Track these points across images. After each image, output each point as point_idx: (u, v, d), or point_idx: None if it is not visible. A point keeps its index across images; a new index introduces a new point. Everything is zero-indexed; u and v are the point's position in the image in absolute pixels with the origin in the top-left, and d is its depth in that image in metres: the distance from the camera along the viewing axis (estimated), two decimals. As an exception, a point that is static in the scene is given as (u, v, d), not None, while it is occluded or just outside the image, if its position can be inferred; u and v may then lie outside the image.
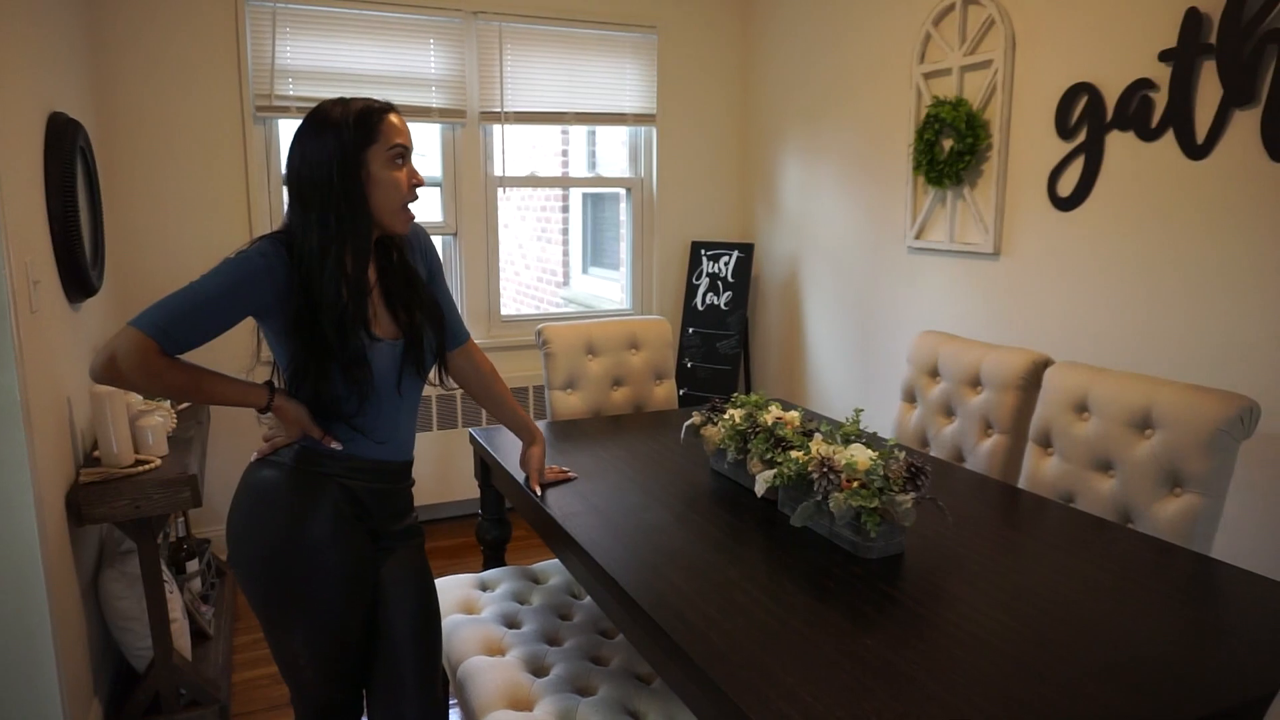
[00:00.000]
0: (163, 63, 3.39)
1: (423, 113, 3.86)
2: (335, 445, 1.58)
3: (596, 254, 6.55)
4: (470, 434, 2.59)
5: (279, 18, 3.53)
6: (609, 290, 5.92)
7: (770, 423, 2.00)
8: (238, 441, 3.60)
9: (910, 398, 2.62)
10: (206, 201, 3.50)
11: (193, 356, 1.48)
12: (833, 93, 3.81)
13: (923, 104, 3.25)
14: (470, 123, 3.96)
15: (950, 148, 3.08)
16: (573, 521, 1.89)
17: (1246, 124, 2.27)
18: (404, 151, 1.56)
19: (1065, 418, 2.12)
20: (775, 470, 1.83)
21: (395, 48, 3.76)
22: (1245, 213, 2.28)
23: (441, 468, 3.95)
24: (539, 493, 2.05)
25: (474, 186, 4.04)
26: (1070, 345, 2.76)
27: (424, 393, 3.72)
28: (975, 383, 2.40)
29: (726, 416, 2.12)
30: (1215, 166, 2.35)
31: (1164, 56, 2.44)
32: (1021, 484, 2.22)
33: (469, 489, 3.99)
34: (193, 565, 2.89)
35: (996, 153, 2.97)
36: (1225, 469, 1.83)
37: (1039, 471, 2.17)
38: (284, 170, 1.56)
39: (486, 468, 2.50)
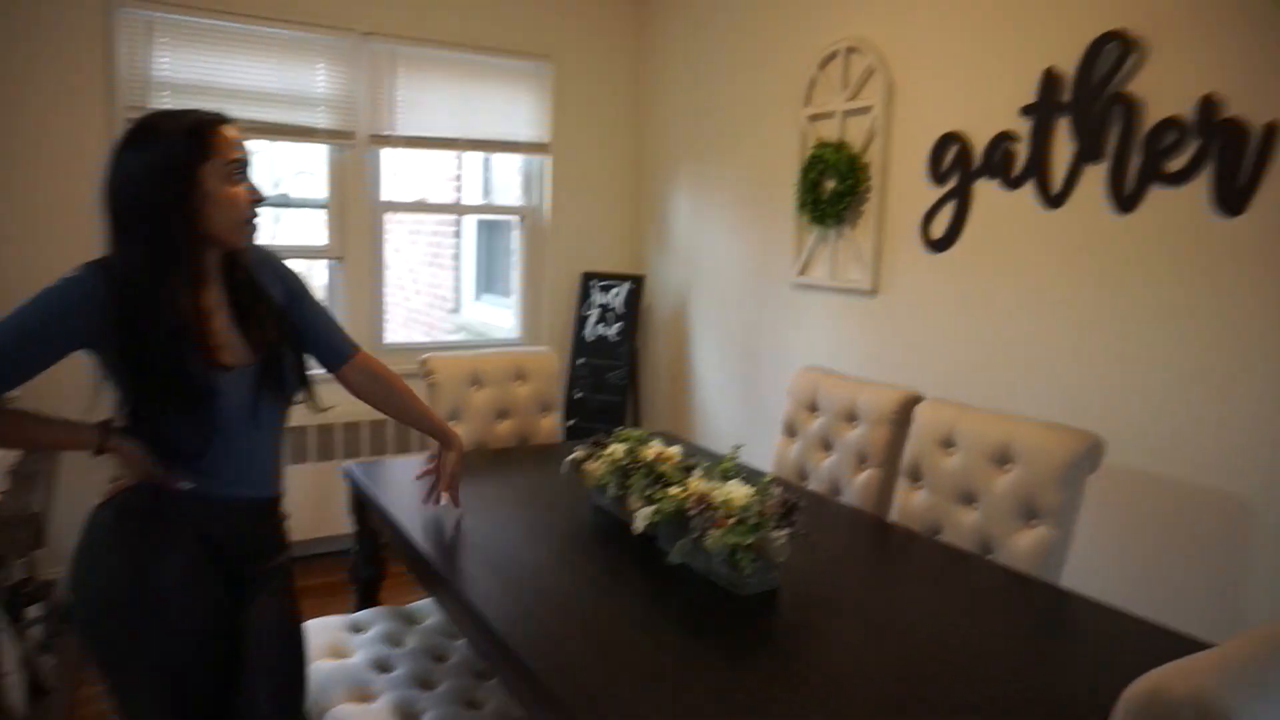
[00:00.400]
0: (23, 69, 3.18)
1: (308, 133, 3.75)
2: (184, 485, 1.49)
3: (490, 280, 6.48)
4: (344, 470, 2.50)
5: (157, 28, 3.37)
6: (501, 318, 5.86)
7: (650, 459, 2.00)
8: (92, 476, 3.36)
9: (790, 431, 2.67)
10: (69, 219, 3.29)
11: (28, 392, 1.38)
12: (724, 130, 3.90)
13: (807, 145, 3.36)
14: (359, 145, 3.87)
15: (832, 189, 3.19)
16: (447, 560, 1.84)
17: (1095, 178, 2.43)
18: (242, 166, 1.49)
19: (933, 452, 2.20)
20: (654, 507, 1.83)
21: (282, 65, 3.65)
22: (1094, 259, 2.44)
23: (317, 502, 3.79)
24: (442, 502, 2.06)
25: (361, 210, 3.94)
26: (944, 380, 2.88)
27: (301, 422, 3.59)
28: (851, 417, 2.47)
29: (608, 452, 2.11)
30: (1069, 215, 2.50)
31: (1025, 111, 2.59)
32: (893, 517, 2.29)
33: (346, 524, 3.84)
34: (34, 610, 2.67)
35: (875, 195, 3.09)
36: (1075, 502, 1.93)
37: (909, 504, 2.24)
38: (102, 188, 1.44)
39: (361, 504, 2.41)
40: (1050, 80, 2.51)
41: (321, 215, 3.95)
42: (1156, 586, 2.32)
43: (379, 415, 3.85)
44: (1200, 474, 2.22)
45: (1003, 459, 2.05)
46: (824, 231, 3.32)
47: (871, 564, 1.99)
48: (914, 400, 2.35)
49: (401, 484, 2.34)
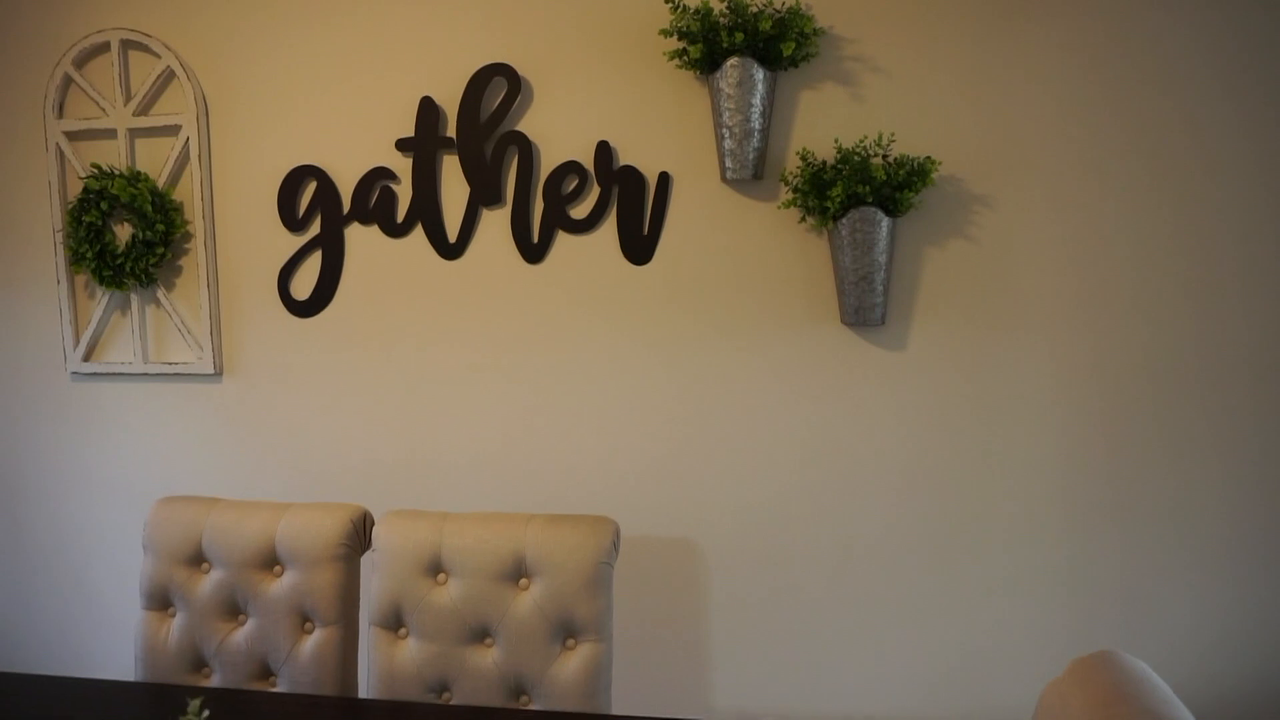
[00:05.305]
0: None
1: None
2: None
3: None
4: None
5: None
6: None
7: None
8: None
9: (161, 602, 1.74)
10: None
11: None
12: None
13: (71, 173, 2.33)
14: None
15: (133, 237, 2.25)
16: None
17: (497, 224, 2.17)
18: None
19: (415, 585, 1.64)
20: None
21: None
22: (510, 318, 2.18)
23: None
24: None
25: None
26: (344, 482, 2.27)
27: None
28: (270, 562, 1.70)
29: None
30: (471, 267, 2.20)
31: (402, 145, 2.19)
32: (369, 689, 1.64)
33: None
34: None
35: (202, 245, 2.28)
36: (610, 604, 1.63)
37: (394, 663, 1.63)
38: None
39: None
40: (429, 111, 2.16)
41: None
42: (646, 645, 2.18)
43: None
44: (663, 527, 2.16)
45: (516, 573, 1.62)
46: (123, 296, 2.35)
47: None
48: (364, 519, 1.74)
49: None
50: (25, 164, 2.37)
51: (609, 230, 2.13)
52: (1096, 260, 1.94)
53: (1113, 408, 1.96)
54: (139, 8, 2.28)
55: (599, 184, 2.11)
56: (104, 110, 2.29)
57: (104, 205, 2.25)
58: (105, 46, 2.28)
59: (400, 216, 2.21)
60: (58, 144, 2.32)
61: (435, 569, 1.65)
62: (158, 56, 2.26)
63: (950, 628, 2.05)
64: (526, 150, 2.13)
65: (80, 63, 2.30)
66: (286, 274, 2.27)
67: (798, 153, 2.00)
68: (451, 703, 1.61)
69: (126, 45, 2.28)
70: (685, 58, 1.97)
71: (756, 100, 1.96)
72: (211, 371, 2.31)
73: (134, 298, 2.33)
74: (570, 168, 2.12)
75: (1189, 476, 1.95)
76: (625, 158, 2.10)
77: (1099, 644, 1.97)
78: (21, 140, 2.37)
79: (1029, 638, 2.03)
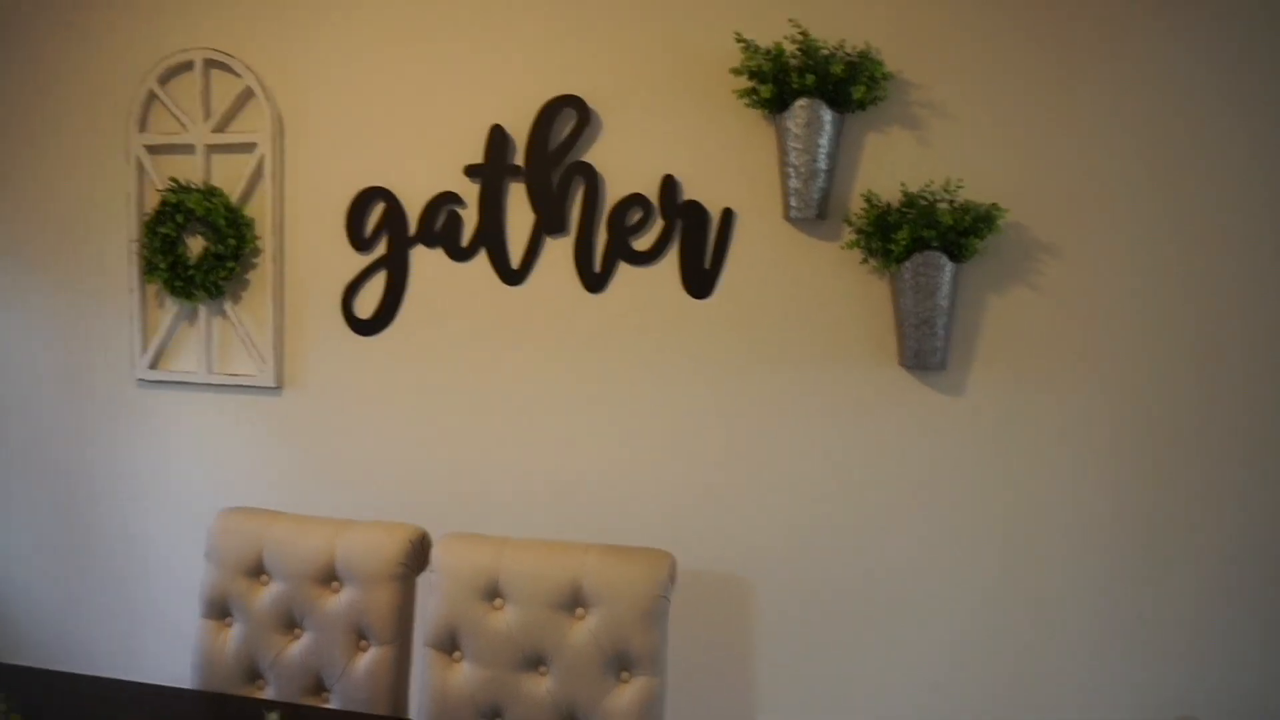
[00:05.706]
0: None
1: None
2: None
3: None
4: None
5: None
6: None
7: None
8: None
9: (220, 612, 1.77)
10: None
11: None
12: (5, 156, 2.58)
13: (150, 186, 2.40)
14: None
15: (205, 250, 2.31)
16: None
17: (560, 252, 2.20)
18: None
19: (472, 609, 1.65)
20: None
21: None
22: (569, 346, 2.20)
23: None
24: None
25: None
26: (396, 501, 2.30)
27: None
28: (329, 578, 1.73)
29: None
30: (533, 294, 2.22)
31: (471, 172, 2.23)
32: (421, 711, 1.65)
33: None
34: None
35: (270, 260, 2.34)
36: (665, 638, 1.63)
37: (448, 685, 1.64)
38: None
39: None
40: (499, 139, 2.20)
41: None
42: (694, 679, 2.17)
43: None
44: (714, 560, 2.15)
45: (573, 602, 1.63)
46: (191, 307, 2.40)
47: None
48: (423, 540, 1.76)
49: None
50: (106, 175, 2.45)
51: (671, 263, 2.15)
52: (1168, 315, 1.92)
53: (1177, 468, 1.93)
54: (224, 29, 2.35)
55: (663, 217, 2.14)
56: (184, 126, 2.36)
57: (179, 218, 2.31)
58: (189, 65, 2.35)
59: (466, 241, 2.25)
60: (138, 157, 2.39)
61: (493, 594, 1.66)
62: (238, 76, 2.32)
63: (1003, 676, 2.02)
64: (593, 181, 2.16)
65: (164, 79, 2.37)
66: (351, 292, 2.32)
67: (862, 194, 2.01)
68: (502, 729, 1.62)
69: (210, 64, 2.35)
70: (755, 97, 1.99)
71: (823, 141, 1.98)
72: (273, 384, 2.35)
73: (202, 309, 2.38)
74: (635, 200, 2.14)
75: (1259, 538, 1.91)
76: (690, 192, 2.13)
77: (1163, 704, 1.93)
78: (104, 152, 2.45)
79: (1090, 692, 1.99)
